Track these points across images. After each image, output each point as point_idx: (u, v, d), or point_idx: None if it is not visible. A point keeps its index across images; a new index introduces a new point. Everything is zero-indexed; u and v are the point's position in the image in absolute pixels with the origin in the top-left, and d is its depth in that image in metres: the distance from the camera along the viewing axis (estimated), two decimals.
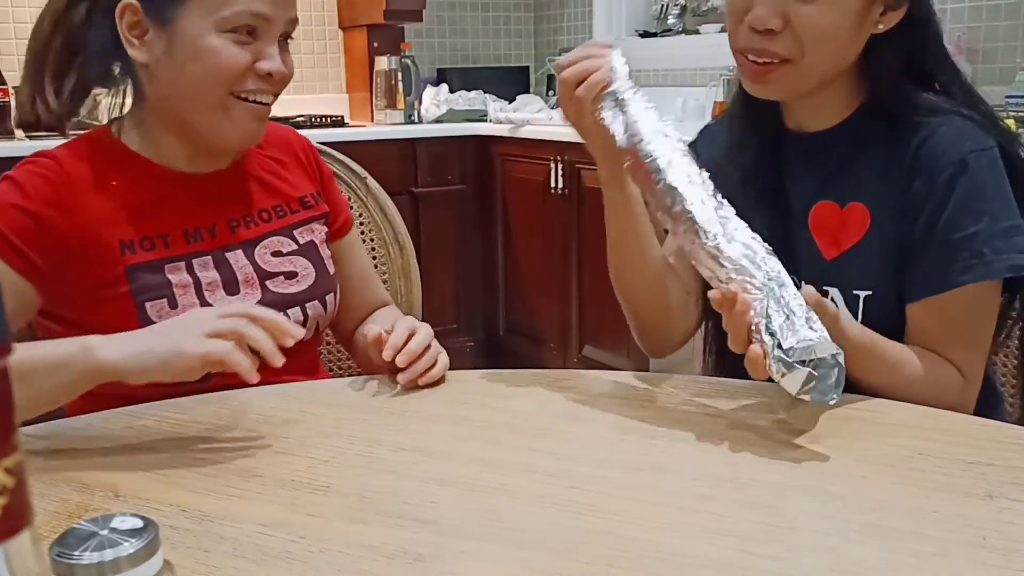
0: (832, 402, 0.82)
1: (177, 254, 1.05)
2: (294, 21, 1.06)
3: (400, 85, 3.43)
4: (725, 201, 0.90)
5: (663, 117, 0.95)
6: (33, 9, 3.21)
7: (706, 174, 0.92)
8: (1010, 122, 2.04)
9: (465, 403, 0.98)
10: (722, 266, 0.86)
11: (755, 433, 0.87)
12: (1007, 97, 2.21)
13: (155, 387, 0.92)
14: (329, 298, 1.16)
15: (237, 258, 1.10)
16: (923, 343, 1.00)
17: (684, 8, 3.55)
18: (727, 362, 1.15)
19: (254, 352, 0.85)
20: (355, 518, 0.72)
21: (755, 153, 1.11)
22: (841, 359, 0.82)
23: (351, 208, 1.37)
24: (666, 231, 1.07)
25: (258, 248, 1.12)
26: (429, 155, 3.30)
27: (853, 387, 0.98)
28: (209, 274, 1.06)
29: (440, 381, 1.03)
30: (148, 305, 1.01)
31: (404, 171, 3.21)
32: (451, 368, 1.10)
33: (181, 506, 0.73)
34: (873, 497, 0.74)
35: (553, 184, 3.07)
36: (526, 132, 3.20)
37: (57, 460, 0.83)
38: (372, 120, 3.56)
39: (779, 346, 0.81)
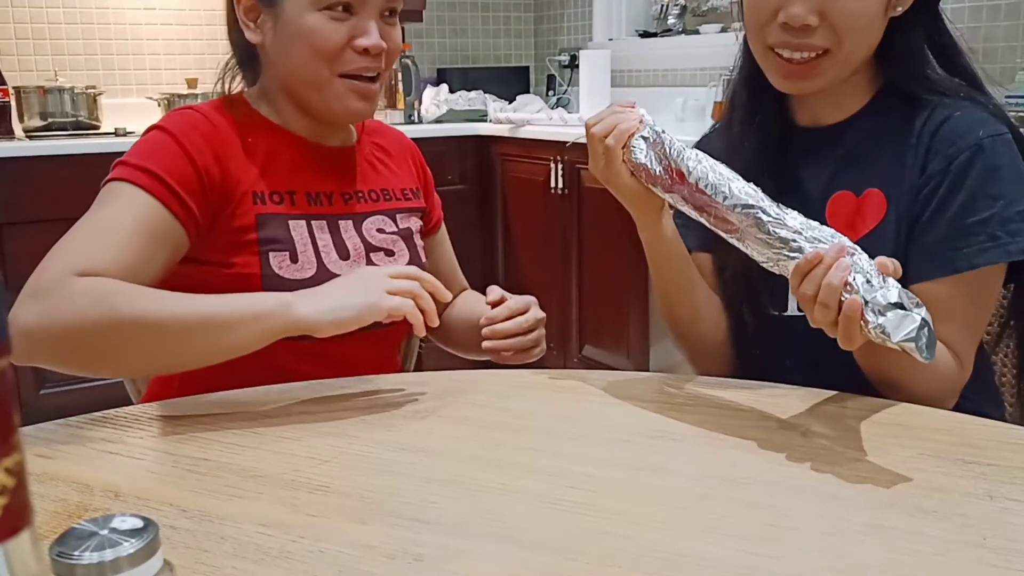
0: (929, 359, 0.78)
1: (300, 212, 1.12)
2: None
3: (400, 85, 3.43)
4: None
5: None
6: (34, 10, 3.21)
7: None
8: None
9: (465, 403, 0.98)
10: (792, 240, 0.86)
11: (755, 433, 0.87)
12: (1007, 97, 2.21)
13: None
14: None
15: (348, 228, 1.16)
16: None
17: (684, 8, 3.55)
18: (745, 366, 1.16)
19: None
20: (355, 518, 0.72)
21: (762, 149, 1.11)
22: (927, 314, 0.79)
23: None
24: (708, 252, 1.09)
25: (366, 223, 1.18)
26: (429, 155, 3.25)
27: (857, 384, 0.98)
28: (324, 236, 1.12)
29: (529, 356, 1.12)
30: (272, 255, 1.07)
31: None
32: (449, 368, 1.10)
33: (181, 506, 0.73)
34: (873, 497, 0.74)
35: (553, 184, 3.07)
36: (526, 132, 3.20)
37: (58, 460, 0.83)
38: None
39: (867, 302, 0.80)
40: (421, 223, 1.28)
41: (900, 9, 1.02)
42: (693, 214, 0.95)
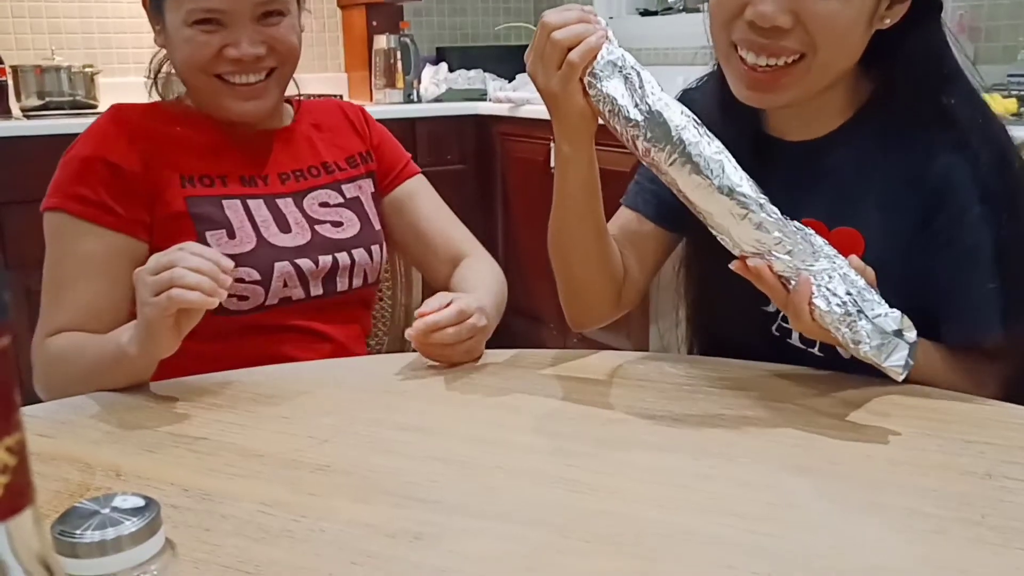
0: (902, 377, 0.80)
1: (233, 193, 1.14)
2: (265, 2, 1.10)
3: (399, 64, 3.41)
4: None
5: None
6: None
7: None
8: (1012, 101, 2.03)
9: (465, 383, 0.98)
10: (770, 235, 0.82)
11: (754, 412, 0.88)
12: (1009, 76, 2.19)
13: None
14: (375, 248, 1.21)
15: (287, 204, 1.17)
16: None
17: None
18: (707, 344, 1.16)
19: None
20: (356, 497, 0.72)
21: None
22: (913, 336, 0.80)
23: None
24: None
25: (307, 198, 1.19)
26: (428, 134, 3.28)
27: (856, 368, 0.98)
28: (262, 213, 1.14)
29: (458, 363, 1.01)
30: (209, 235, 1.09)
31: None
32: None
33: (182, 485, 0.74)
34: (872, 476, 0.74)
35: (553, 163, 3.06)
36: (526, 111, 3.18)
37: (59, 439, 0.83)
38: (371, 99, 3.54)
39: (867, 318, 0.79)
40: (374, 189, 1.27)
41: (888, 21, 0.91)
42: (646, 163, 0.85)
